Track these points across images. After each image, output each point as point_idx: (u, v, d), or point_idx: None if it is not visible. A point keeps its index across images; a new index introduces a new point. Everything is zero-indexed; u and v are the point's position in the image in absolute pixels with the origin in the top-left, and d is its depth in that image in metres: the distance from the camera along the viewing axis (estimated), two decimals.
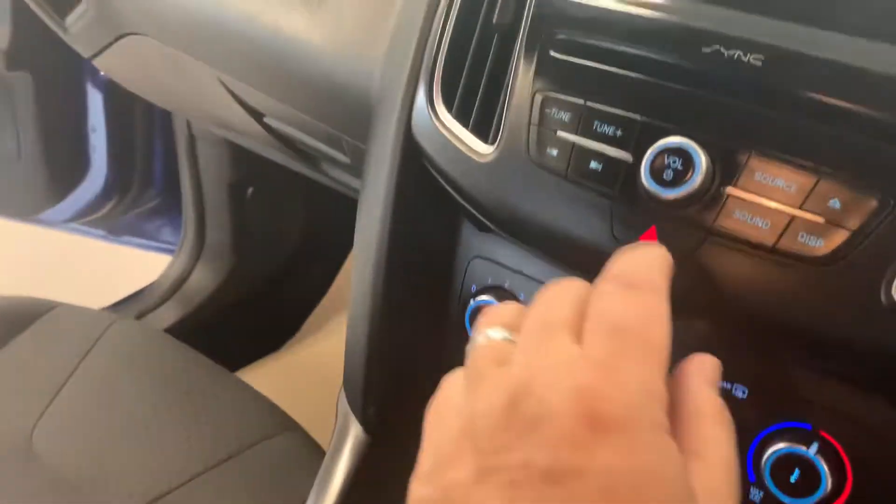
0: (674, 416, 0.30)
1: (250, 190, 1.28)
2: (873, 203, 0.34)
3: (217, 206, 1.28)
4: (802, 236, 0.35)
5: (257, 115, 0.76)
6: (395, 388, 0.58)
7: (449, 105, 0.47)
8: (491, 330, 0.33)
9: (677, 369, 0.33)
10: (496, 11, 0.46)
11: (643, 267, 0.32)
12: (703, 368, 0.33)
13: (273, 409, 0.80)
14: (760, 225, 0.36)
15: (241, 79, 0.69)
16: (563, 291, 0.33)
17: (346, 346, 0.57)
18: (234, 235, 1.29)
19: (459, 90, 0.47)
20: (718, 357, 0.36)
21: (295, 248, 1.34)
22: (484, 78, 0.46)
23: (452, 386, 0.33)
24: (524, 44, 0.44)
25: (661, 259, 0.34)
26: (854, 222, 0.34)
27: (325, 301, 1.42)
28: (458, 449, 0.29)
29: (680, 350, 0.32)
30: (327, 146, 0.70)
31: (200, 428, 0.75)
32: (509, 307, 0.35)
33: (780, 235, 0.36)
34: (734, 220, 0.37)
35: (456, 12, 0.48)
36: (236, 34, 0.65)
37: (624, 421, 0.26)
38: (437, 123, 0.47)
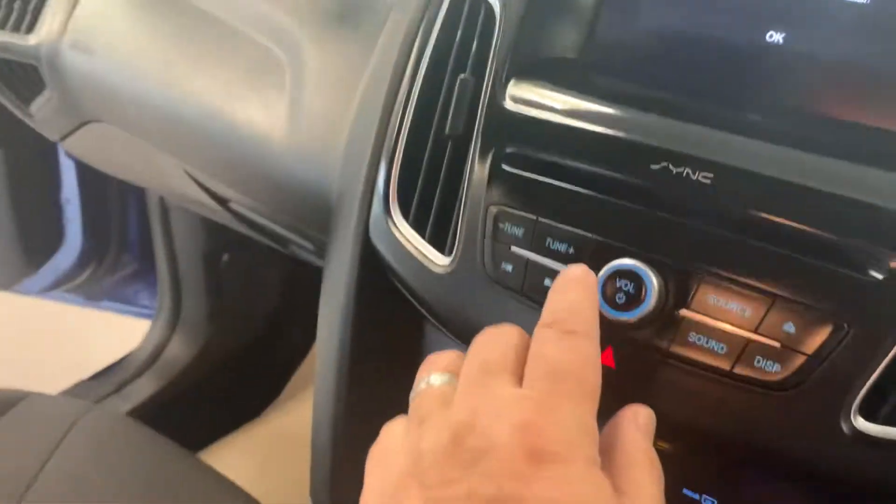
0: (607, 459, 0.32)
1: (225, 257, 1.27)
2: (828, 328, 0.34)
3: (192, 275, 1.27)
4: (759, 360, 0.35)
5: (222, 202, 0.75)
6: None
7: (406, 214, 0.47)
8: (432, 376, 0.35)
9: (614, 416, 0.34)
10: (448, 122, 0.46)
11: (577, 312, 0.34)
12: (637, 417, 0.34)
13: (237, 492, 0.79)
14: (716, 349, 0.36)
15: (204, 171, 0.69)
16: (499, 336, 0.35)
17: (312, 444, 0.56)
18: (210, 303, 1.28)
19: (415, 199, 0.47)
20: (687, 467, 0.35)
21: (273, 315, 1.32)
22: (439, 188, 0.46)
23: (393, 431, 0.34)
24: (476, 156, 0.44)
25: (592, 301, 0.35)
26: (810, 347, 0.34)
27: (305, 367, 1.40)
28: (403, 486, 0.30)
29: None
30: (292, 234, 0.70)
31: None
32: (448, 354, 0.36)
33: (737, 360, 0.35)
34: (690, 344, 0.36)
35: (409, 121, 0.48)
36: (197, 129, 0.64)
37: (561, 455, 0.29)
38: (395, 232, 0.47)
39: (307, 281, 1.35)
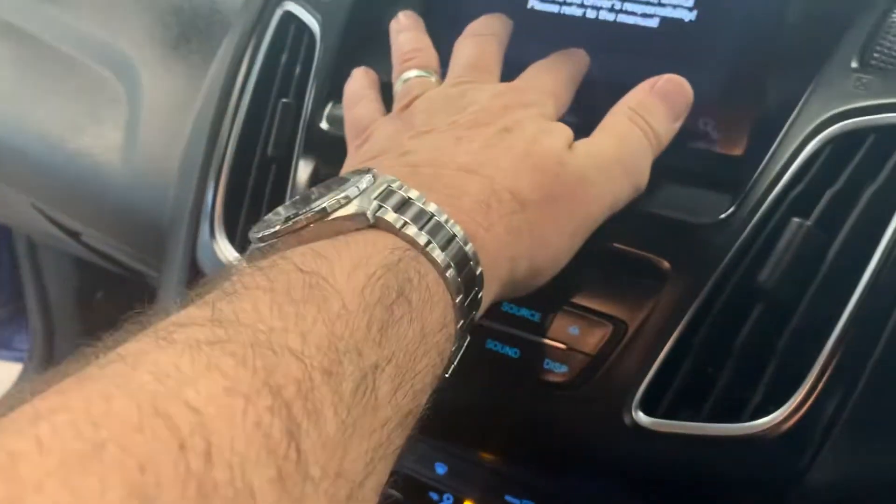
0: None
1: (100, 295, 1.23)
2: (608, 329, 0.36)
3: (64, 314, 1.22)
4: (548, 363, 0.36)
5: (73, 235, 0.73)
6: None
7: (232, 237, 0.47)
8: (411, 70, 0.42)
9: None
10: (270, 144, 0.46)
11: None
12: (654, 82, 0.40)
13: None
14: (511, 354, 0.37)
15: (49, 204, 0.67)
16: (485, 38, 0.43)
17: None
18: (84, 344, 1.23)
19: (240, 224, 0.47)
20: (511, 473, 0.36)
21: None
22: (263, 210, 0.46)
23: (383, 123, 0.40)
24: (294, 178, 0.44)
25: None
26: (592, 347, 0.36)
27: None
28: (395, 134, 0.37)
29: None
30: (141, 265, 0.69)
31: None
32: (422, 50, 0.43)
33: (529, 363, 0.37)
34: (487, 351, 0.38)
35: (234, 144, 0.48)
36: (38, 161, 0.63)
37: (524, 105, 0.37)
38: (220, 256, 0.47)
39: None
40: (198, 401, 0.19)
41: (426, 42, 0.44)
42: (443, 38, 0.44)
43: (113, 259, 0.76)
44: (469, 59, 0.41)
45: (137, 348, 0.21)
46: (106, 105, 0.60)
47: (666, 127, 0.38)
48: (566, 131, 0.36)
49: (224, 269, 0.27)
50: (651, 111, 0.38)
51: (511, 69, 0.41)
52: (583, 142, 0.36)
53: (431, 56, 0.43)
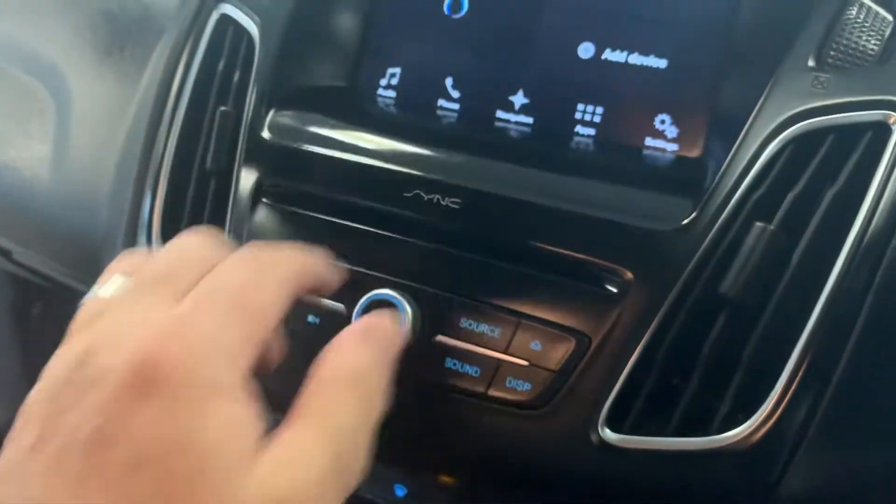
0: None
1: (37, 309, 1.17)
2: (571, 343, 0.34)
3: (0, 330, 1.17)
4: (510, 381, 0.35)
5: (5, 254, 0.69)
6: None
7: None
8: (105, 285, 0.30)
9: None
10: (209, 156, 0.44)
11: (268, 257, 0.30)
12: (352, 331, 0.31)
13: None
14: (472, 373, 0.35)
15: None
16: (192, 248, 0.30)
17: None
18: (22, 360, 1.18)
19: None
20: (475, 495, 0.34)
21: None
22: (203, 225, 0.44)
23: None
24: (237, 190, 0.42)
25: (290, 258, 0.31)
26: (555, 363, 0.34)
27: None
28: (30, 415, 0.25)
29: None
30: (80, 284, 0.65)
31: None
32: (137, 254, 0.32)
33: (490, 382, 0.35)
34: (447, 370, 0.36)
35: (171, 156, 0.45)
36: None
37: (175, 381, 0.24)
38: None
39: None
40: None
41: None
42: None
43: (48, 277, 0.72)
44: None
45: None
46: (33, 116, 0.56)
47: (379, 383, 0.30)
48: (247, 434, 0.25)
49: None
50: (366, 374, 0.29)
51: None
52: (276, 447, 0.25)
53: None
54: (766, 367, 0.33)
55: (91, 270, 0.52)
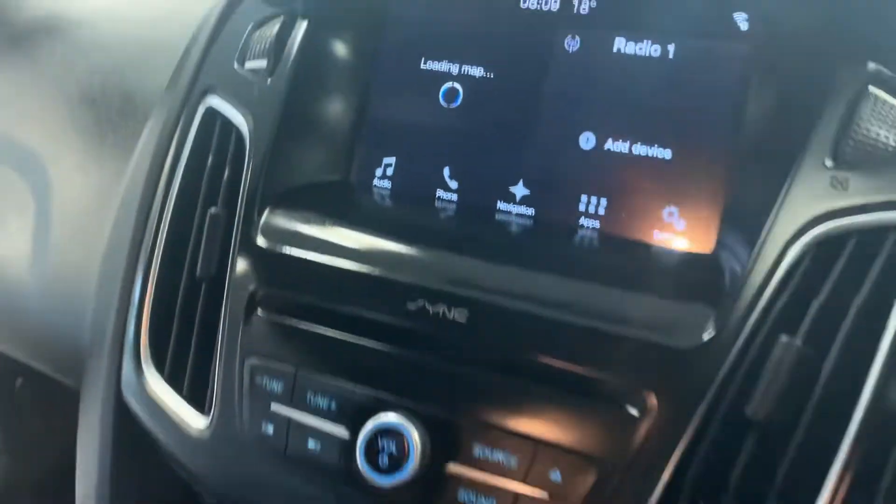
0: None
1: (20, 382, 1.14)
2: (593, 472, 0.32)
3: None
4: None
5: None
6: None
7: (161, 367, 0.42)
8: None
9: None
10: (199, 263, 0.41)
11: None
12: None
13: None
14: None
15: None
16: None
17: None
18: (5, 434, 1.14)
19: (170, 352, 0.42)
20: None
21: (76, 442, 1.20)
22: (194, 338, 0.41)
23: None
24: (230, 300, 0.40)
25: None
26: (578, 496, 0.32)
27: None
28: None
29: None
30: (67, 380, 0.62)
31: None
32: None
33: None
34: None
35: (158, 263, 0.43)
36: None
37: None
38: (148, 390, 0.42)
39: None
40: None
41: None
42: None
43: (30, 368, 0.69)
44: None
45: None
46: (10, 208, 0.54)
47: None
48: None
49: None
50: None
51: None
52: None
53: None
54: (801, 491, 0.31)
55: (75, 370, 0.49)
